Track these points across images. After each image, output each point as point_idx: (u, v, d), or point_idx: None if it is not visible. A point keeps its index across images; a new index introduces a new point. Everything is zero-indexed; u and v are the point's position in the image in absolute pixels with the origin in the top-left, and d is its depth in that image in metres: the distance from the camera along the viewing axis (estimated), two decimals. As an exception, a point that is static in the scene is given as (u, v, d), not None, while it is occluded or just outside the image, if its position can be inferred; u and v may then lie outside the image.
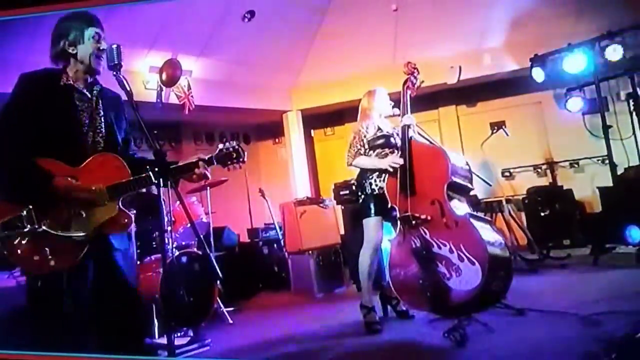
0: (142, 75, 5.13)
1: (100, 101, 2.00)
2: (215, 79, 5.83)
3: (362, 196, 3.35)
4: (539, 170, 6.50)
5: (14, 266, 2.06)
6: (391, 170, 3.11)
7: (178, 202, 3.70)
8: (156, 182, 1.88)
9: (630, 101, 5.08)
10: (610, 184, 4.98)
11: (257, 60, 5.88)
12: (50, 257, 1.80)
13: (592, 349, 2.28)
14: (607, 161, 5.09)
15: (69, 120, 1.91)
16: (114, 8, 3.83)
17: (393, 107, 3.45)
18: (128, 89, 1.89)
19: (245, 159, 2.02)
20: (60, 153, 1.87)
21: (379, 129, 3.36)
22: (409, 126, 3.15)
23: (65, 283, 1.80)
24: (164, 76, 5.09)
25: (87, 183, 1.86)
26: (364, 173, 3.36)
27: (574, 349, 2.39)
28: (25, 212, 1.80)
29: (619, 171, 5.03)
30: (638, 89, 5.13)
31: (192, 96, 5.41)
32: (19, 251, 1.82)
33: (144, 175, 1.89)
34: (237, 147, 2.01)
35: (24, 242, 1.81)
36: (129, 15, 4.24)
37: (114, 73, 1.90)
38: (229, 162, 2.00)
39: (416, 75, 3.27)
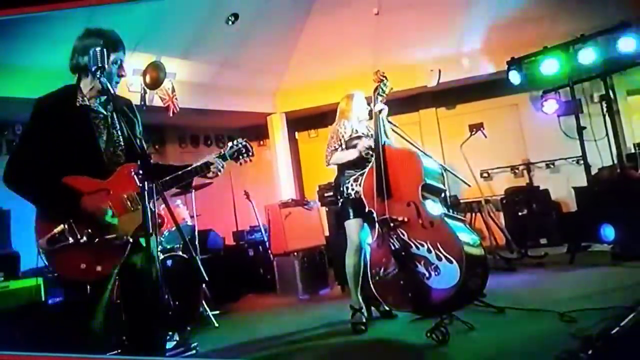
0: (126, 78, 5.06)
1: (115, 115, 2.06)
2: (199, 82, 5.81)
3: (341, 200, 3.43)
4: (516, 171, 6.65)
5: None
6: (364, 154, 3.27)
7: (162, 205, 3.70)
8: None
9: (603, 103, 5.25)
10: (585, 184, 5.12)
11: (241, 63, 5.88)
12: (95, 263, 1.91)
13: (570, 345, 2.34)
14: (581, 162, 5.23)
15: (87, 141, 1.99)
16: (97, 9, 3.80)
17: (369, 111, 3.51)
18: (111, 91, 1.92)
19: (254, 154, 2.33)
20: (83, 170, 1.96)
21: (356, 130, 3.45)
22: (380, 111, 3.23)
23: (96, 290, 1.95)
24: (147, 78, 5.04)
25: (120, 192, 1.98)
26: (341, 177, 3.45)
27: (552, 346, 2.46)
28: (66, 226, 1.89)
29: (593, 171, 5.18)
30: (610, 91, 5.31)
31: (176, 99, 5.36)
32: (65, 263, 1.93)
33: (168, 178, 2.07)
34: (245, 143, 2.33)
35: (69, 253, 1.89)
36: (113, 17, 4.21)
37: (98, 76, 1.91)
38: (241, 157, 2.30)
39: (386, 83, 3.32)
